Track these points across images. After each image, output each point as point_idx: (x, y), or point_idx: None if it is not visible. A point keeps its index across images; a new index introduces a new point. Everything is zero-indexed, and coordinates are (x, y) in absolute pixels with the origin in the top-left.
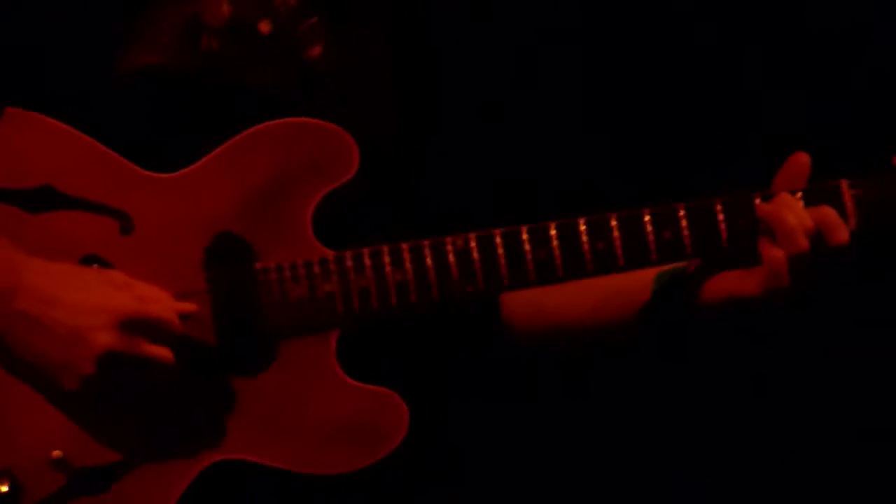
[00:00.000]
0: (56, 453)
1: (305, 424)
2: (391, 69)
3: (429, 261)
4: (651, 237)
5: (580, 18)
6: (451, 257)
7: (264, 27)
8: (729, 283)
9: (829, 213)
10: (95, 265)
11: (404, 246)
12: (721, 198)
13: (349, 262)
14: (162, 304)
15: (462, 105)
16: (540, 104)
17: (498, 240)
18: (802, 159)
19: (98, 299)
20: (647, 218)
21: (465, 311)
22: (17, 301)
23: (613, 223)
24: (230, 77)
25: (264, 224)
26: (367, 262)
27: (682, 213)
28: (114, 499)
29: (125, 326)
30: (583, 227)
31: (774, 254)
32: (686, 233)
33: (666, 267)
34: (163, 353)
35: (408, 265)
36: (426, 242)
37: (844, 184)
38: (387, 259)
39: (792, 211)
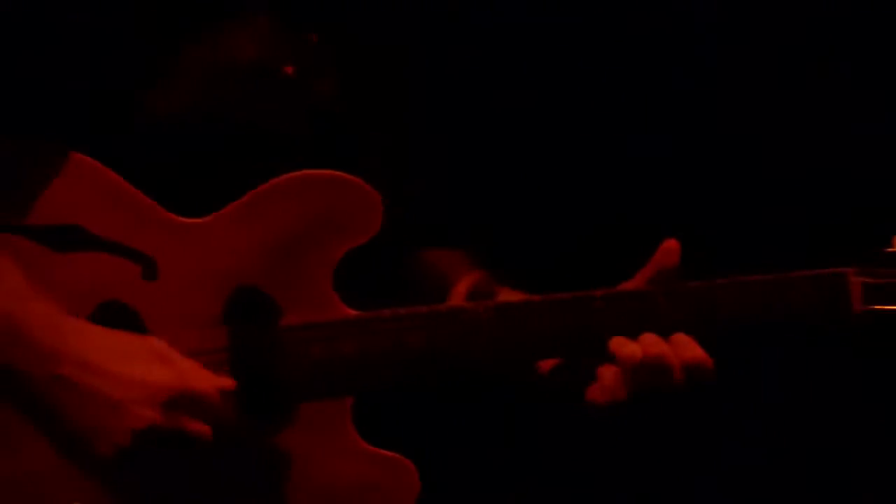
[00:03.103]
0: None
1: (317, 487)
2: (396, 112)
3: (447, 330)
4: None
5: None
6: (471, 328)
7: (289, 70)
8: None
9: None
10: (142, 334)
11: (424, 311)
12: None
13: (368, 325)
14: (203, 379)
15: (467, 157)
16: (556, 146)
17: (516, 312)
18: (672, 247)
19: (142, 372)
20: None
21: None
22: (60, 366)
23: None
24: (255, 120)
25: (286, 279)
26: (387, 326)
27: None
28: None
29: (168, 403)
30: (598, 304)
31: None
32: None
33: None
34: (203, 429)
35: (425, 332)
36: (445, 309)
37: (851, 272)
38: (406, 324)
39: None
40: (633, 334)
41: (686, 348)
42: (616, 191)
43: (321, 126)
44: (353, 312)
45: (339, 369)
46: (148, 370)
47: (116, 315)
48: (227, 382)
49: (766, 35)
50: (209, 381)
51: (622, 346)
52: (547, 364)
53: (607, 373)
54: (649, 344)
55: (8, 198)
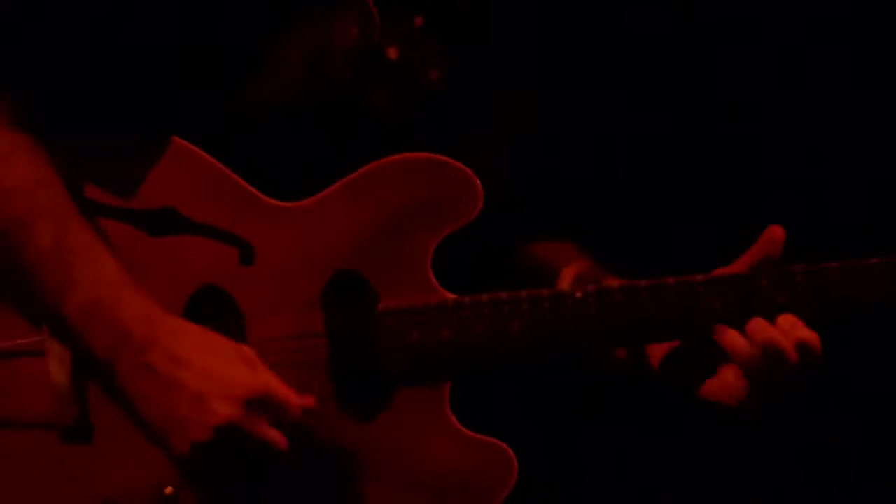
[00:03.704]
0: (169, 490)
1: (416, 473)
2: (503, 95)
3: (547, 315)
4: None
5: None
6: (571, 313)
7: (392, 53)
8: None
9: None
10: (233, 341)
11: (524, 295)
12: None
13: (468, 310)
14: (286, 393)
15: (575, 139)
16: (650, 138)
17: (619, 297)
18: (777, 234)
19: (228, 371)
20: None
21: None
22: (147, 354)
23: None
24: (354, 103)
25: (383, 262)
26: (487, 310)
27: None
28: None
29: (250, 404)
30: (701, 290)
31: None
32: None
33: None
34: (279, 439)
35: (526, 316)
36: (545, 293)
37: None
38: (505, 309)
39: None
40: (737, 319)
41: (794, 329)
42: (716, 179)
43: (424, 109)
44: (451, 297)
45: (437, 354)
46: (234, 369)
47: (212, 300)
48: (309, 401)
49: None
50: (292, 396)
51: (725, 334)
52: (657, 354)
53: (727, 371)
54: (758, 329)
55: (109, 183)
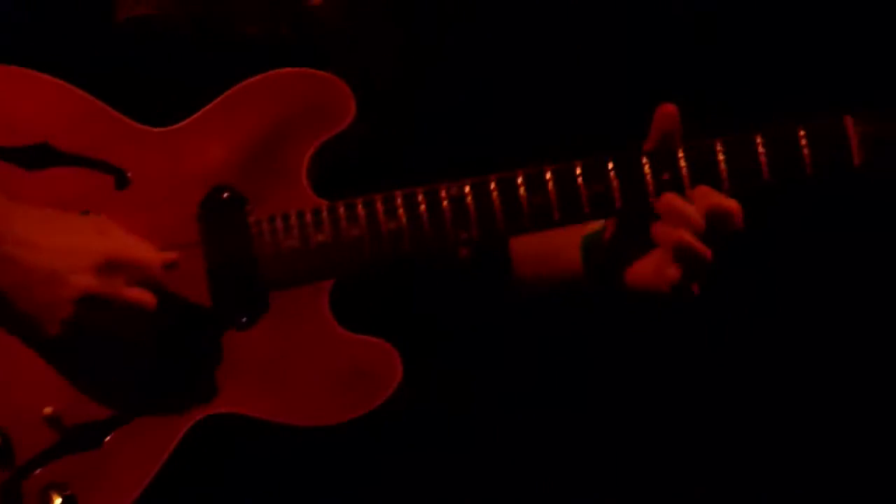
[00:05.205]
0: (48, 410)
1: (298, 376)
2: (392, 16)
3: (422, 208)
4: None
5: None
6: (445, 203)
7: None
8: (639, 276)
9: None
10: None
11: (397, 194)
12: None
13: (342, 212)
14: (143, 249)
15: (462, 55)
16: (543, 51)
17: (493, 185)
18: (669, 110)
19: (77, 242)
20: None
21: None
22: (2, 244)
23: (611, 166)
24: (227, 27)
25: (259, 176)
26: (361, 211)
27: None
28: (106, 455)
29: (104, 269)
30: (578, 171)
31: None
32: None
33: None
34: (142, 296)
35: (401, 213)
36: (419, 190)
37: (849, 121)
38: (380, 207)
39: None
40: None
41: (708, 196)
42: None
43: (302, 31)
44: (324, 202)
45: (312, 258)
46: (81, 239)
47: None
48: (170, 256)
49: None
50: (149, 252)
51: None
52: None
53: (657, 253)
54: (667, 199)
55: None
